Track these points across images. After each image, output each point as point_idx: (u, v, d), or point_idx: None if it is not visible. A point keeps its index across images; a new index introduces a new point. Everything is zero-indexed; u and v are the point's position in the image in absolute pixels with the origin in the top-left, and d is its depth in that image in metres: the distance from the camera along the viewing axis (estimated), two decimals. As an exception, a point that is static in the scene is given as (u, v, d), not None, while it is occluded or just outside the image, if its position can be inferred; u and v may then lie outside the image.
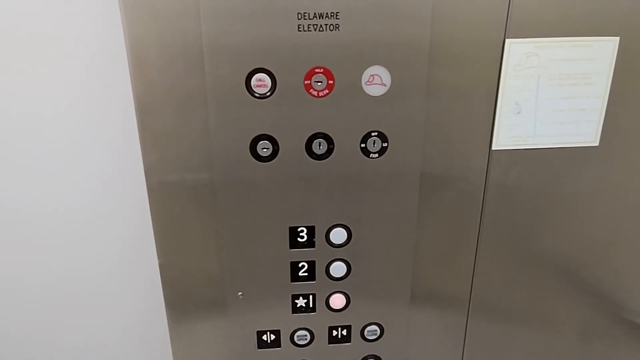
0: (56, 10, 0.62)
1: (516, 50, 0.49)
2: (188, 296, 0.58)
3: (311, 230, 0.55)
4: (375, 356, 0.63)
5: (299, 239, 0.55)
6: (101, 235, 0.77)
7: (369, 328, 0.61)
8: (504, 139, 0.53)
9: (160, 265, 0.56)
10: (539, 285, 0.63)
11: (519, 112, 0.52)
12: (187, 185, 0.53)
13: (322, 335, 0.61)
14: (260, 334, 0.60)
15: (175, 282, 0.58)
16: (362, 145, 0.51)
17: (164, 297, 0.59)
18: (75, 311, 0.84)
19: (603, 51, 0.50)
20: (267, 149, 0.50)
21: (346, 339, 0.61)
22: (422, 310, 0.61)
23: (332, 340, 0.61)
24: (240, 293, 0.57)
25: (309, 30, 0.46)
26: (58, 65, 0.65)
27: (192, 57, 0.47)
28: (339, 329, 0.61)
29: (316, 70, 0.47)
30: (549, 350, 0.67)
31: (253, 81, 0.47)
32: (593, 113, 0.52)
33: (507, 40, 0.49)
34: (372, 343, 0.62)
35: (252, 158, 0.51)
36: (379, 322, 0.61)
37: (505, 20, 0.48)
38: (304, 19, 0.45)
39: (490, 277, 0.61)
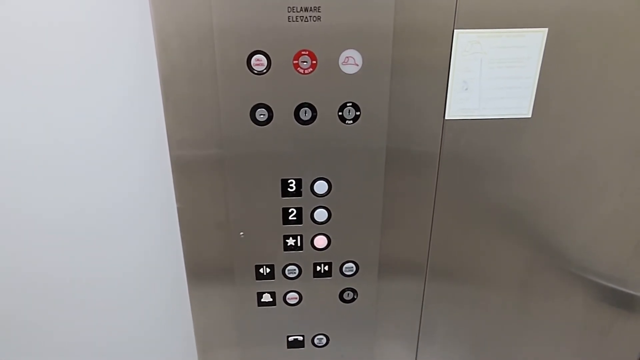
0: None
1: (463, 38, 0.61)
2: (201, 236, 0.72)
3: (299, 182, 0.67)
4: (352, 289, 0.76)
5: (289, 189, 0.68)
6: (127, 236, 0.84)
7: (346, 265, 0.74)
8: (454, 111, 0.65)
9: (179, 209, 0.70)
10: (486, 240, 0.75)
11: (466, 89, 0.64)
12: (201, 145, 0.66)
13: (308, 270, 0.74)
14: (257, 267, 0.74)
15: (190, 225, 0.71)
16: (340, 113, 0.64)
17: (181, 235, 0.72)
18: (96, 310, 0.91)
19: (534, 40, 0.62)
20: (264, 115, 0.63)
21: (328, 274, 0.74)
22: (390, 251, 0.75)
23: (317, 274, 0.75)
24: (241, 233, 0.71)
25: (296, 21, 0.58)
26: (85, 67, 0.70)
27: (206, 41, 0.59)
28: (322, 265, 0.74)
29: (302, 52, 0.60)
30: (490, 301, 0.80)
31: (253, 60, 0.60)
32: (526, 90, 0.64)
33: (455, 30, 0.61)
34: (349, 278, 0.75)
35: (252, 123, 0.64)
36: (355, 260, 0.74)
37: (454, 13, 0.60)
38: (293, 11, 0.57)
39: (445, 229, 0.74)
